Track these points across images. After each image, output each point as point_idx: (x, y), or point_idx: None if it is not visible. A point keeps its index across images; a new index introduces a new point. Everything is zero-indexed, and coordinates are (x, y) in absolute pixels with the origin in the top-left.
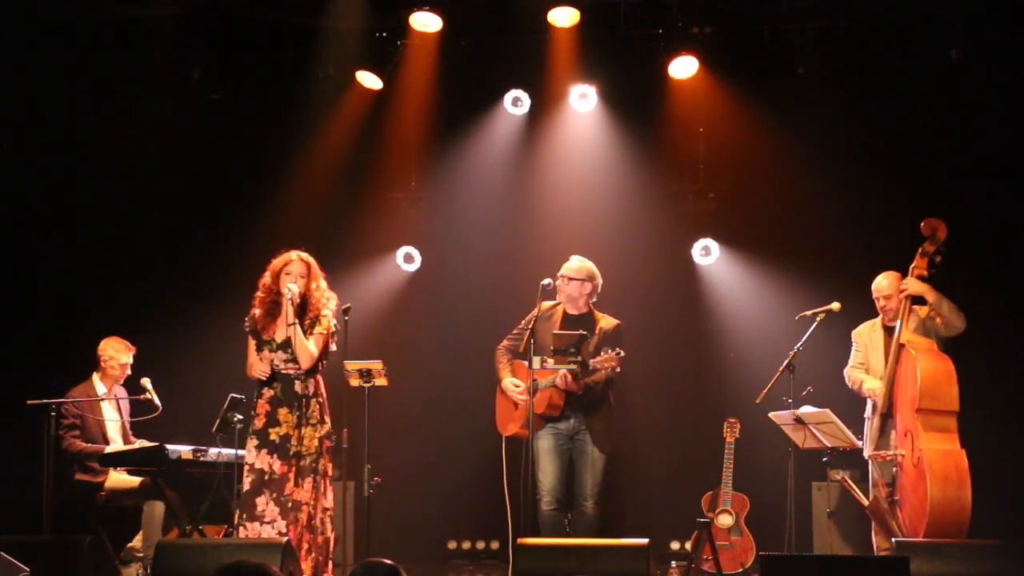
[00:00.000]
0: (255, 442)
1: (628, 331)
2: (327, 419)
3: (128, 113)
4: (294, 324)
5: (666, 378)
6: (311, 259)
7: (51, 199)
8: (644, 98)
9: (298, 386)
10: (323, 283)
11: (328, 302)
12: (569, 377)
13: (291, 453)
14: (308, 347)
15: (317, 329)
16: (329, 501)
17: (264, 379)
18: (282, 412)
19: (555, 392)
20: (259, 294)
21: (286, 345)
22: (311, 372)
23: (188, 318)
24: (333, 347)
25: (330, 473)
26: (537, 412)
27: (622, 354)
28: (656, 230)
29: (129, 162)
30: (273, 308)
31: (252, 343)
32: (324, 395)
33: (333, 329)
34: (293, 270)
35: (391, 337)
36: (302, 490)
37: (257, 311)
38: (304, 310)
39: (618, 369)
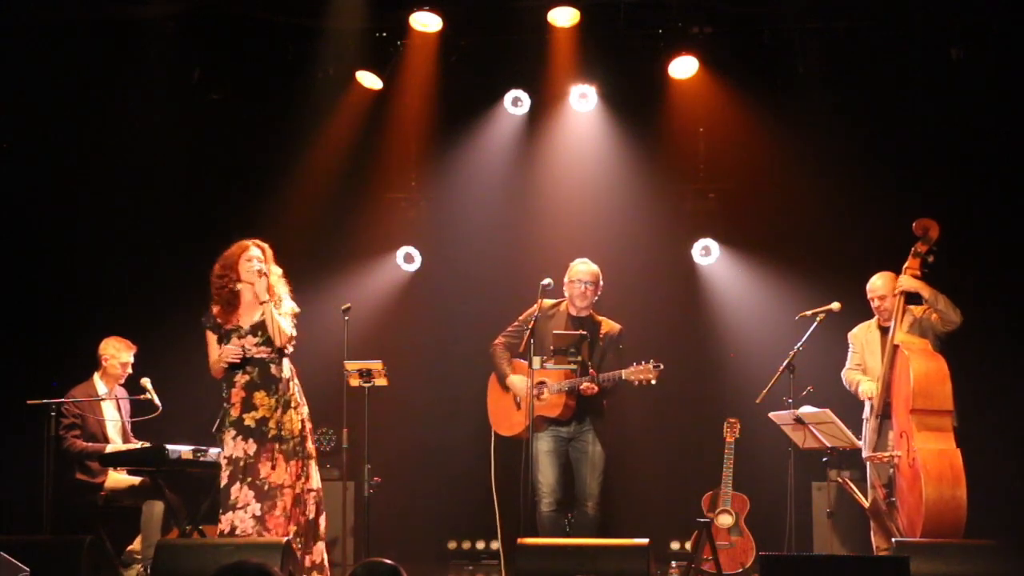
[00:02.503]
0: (232, 433)
1: (629, 331)
2: (304, 400)
3: (128, 113)
4: (268, 302)
5: (666, 378)
6: (265, 245)
7: (51, 199)
8: (644, 98)
9: (274, 369)
10: (277, 270)
11: (283, 290)
12: (595, 388)
13: (269, 437)
14: (283, 325)
15: (283, 310)
16: (316, 482)
17: (237, 363)
18: (258, 396)
19: (569, 395)
20: (216, 288)
21: (256, 329)
22: (282, 352)
23: (188, 318)
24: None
25: (313, 454)
26: (551, 415)
27: (661, 367)
28: (656, 230)
29: (129, 162)
30: (232, 298)
31: (212, 338)
32: (296, 375)
33: (297, 310)
34: (253, 255)
35: (391, 337)
36: (282, 473)
37: (216, 307)
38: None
39: (653, 382)
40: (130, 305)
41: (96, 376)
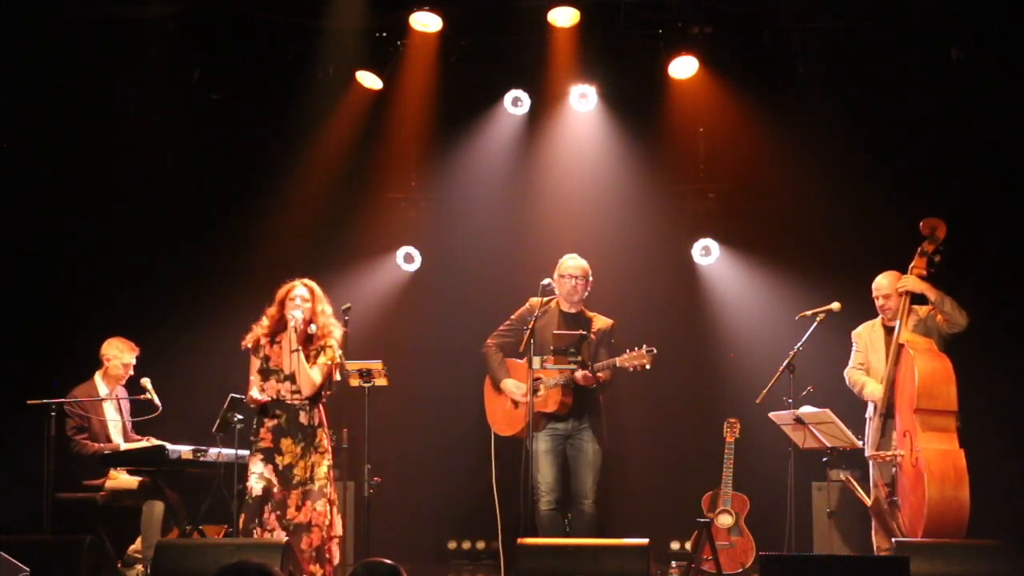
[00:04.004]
0: (260, 456)
1: (629, 331)
2: (331, 448)
3: (128, 113)
4: (297, 351)
5: (666, 378)
6: (314, 285)
7: (51, 199)
8: (644, 98)
9: (303, 417)
10: (328, 309)
11: (334, 330)
12: (590, 376)
13: (294, 483)
14: (311, 375)
15: (322, 359)
16: (339, 528)
17: (265, 404)
18: (285, 443)
19: (565, 389)
20: (266, 324)
21: (294, 376)
22: (315, 401)
23: (188, 318)
24: (337, 376)
25: (336, 500)
26: (548, 411)
27: (655, 352)
28: (656, 230)
29: (129, 162)
30: (277, 327)
31: (255, 364)
32: (327, 423)
33: (338, 360)
34: (297, 295)
35: (391, 337)
36: (313, 511)
37: (263, 338)
38: (310, 338)
39: (648, 366)
40: (130, 305)
41: (97, 376)
